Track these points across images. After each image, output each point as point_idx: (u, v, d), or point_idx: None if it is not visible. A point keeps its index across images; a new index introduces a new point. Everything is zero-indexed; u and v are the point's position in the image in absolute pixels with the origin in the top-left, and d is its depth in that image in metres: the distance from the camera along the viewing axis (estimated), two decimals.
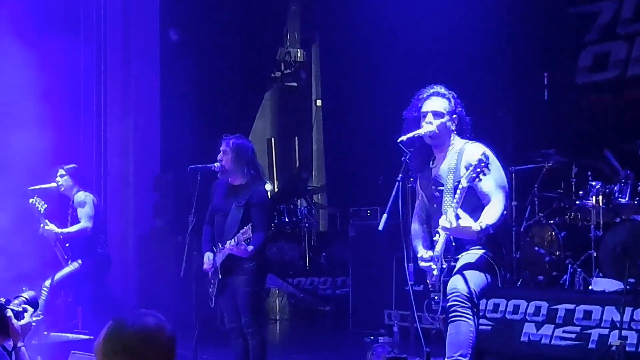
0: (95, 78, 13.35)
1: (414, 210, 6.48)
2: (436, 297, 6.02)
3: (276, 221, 14.76)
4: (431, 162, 6.29)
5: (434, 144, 6.21)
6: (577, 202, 9.98)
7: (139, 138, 13.49)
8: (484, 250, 5.97)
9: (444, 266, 5.96)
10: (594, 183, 9.72)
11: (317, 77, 18.14)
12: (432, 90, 6.23)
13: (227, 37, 14.60)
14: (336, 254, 13.98)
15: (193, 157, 7.85)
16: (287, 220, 14.96)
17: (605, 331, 8.33)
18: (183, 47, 14.24)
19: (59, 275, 9.39)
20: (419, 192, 6.41)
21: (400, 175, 5.91)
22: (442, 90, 6.23)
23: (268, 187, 8.36)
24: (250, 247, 7.22)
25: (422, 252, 6.17)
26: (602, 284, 9.08)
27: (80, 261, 9.40)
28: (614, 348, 7.96)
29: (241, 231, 7.12)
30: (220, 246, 7.44)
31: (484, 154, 5.71)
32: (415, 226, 6.44)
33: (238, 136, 7.69)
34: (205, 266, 7.62)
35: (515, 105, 11.98)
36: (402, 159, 5.96)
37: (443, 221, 5.81)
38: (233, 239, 7.17)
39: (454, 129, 6.19)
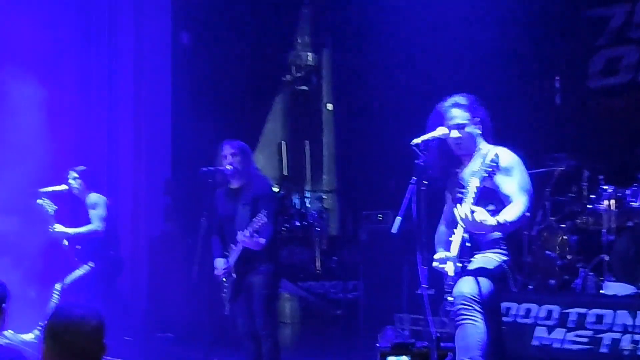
0: (107, 81, 13.36)
1: (443, 214, 6.46)
2: (450, 299, 5.99)
3: (287, 225, 14.75)
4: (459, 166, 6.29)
5: (462, 154, 6.21)
6: (589, 206, 9.96)
7: (150, 141, 13.49)
8: (497, 256, 5.95)
9: (459, 268, 5.93)
10: (605, 187, 9.70)
11: (328, 80, 18.11)
12: (450, 102, 6.19)
13: (238, 41, 14.60)
14: (347, 257, 13.98)
15: (204, 161, 7.84)
16: (298, 224, 14.96)
17: (618, 335, 8.30)
18: (194, 50, 14.25)
19: (69, 278, 9.39)
20: (448, 196, 6.39)
21: (414, 178, 5.88)
22: (460, 99, 6.20)
23: (275, 189, 8.35)
24: (262, 240, 7.23)
25: (441, 253, 6.13)
26: (614, 288, 9.06)
27: (91, 263, 9.41)
28: (626, 352, 7.94)
29: (254, 219, 7.13)
30: (232, 247, 7.44)
31: (495, 154, 5.69)
32: (441, 228, 6.40)
33: (234, 139, 7.76)
34: (216, 271, 7.62)
35: (526, 109, 11.96)
36: (416, 162, 5.94)
37: (458, 210, 5.79)
38: (246, 230, 7.17)
39: (480, 132, 6.17)
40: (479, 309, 5.75)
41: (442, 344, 6.28)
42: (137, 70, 13.53)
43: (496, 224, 5.66)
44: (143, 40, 13.64)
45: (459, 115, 6.14)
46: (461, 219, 5.75)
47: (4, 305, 4.42)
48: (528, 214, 5.94)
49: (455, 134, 6.09)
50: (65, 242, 9.43)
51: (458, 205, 5.87)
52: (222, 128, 12.90)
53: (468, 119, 6.13)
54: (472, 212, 5.64)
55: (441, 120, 6.16)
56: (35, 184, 9.89)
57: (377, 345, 7.79)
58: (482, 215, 5.64)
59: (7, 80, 11.54)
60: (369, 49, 14.60)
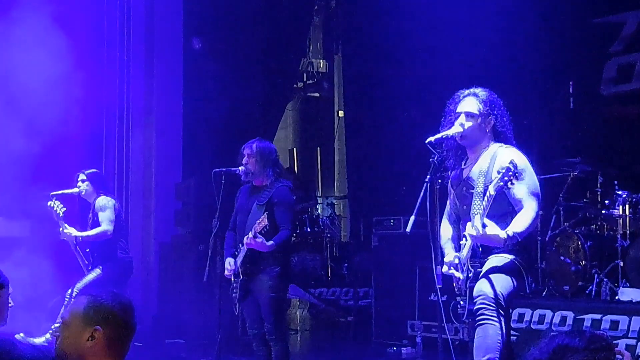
0: (118, 85, 13.36)
1: (445, 209, 6.39)
2: (462, 302, 5.94)
3: (298, 231, 14.71)
4: (463, 163, 6.21)
5: (466, 144, 6.13)
6: (603, 212, 9.88)
7: (161, 146, 13.47)
8: (512, 256, 5.90)
9: (471, 271, 5.88)
10: (620, 192, 9.64)
11: (339, 87, 18.16)
12: (468, 92, 6.16)
13: (250, 47, 14.58)
14: (358, 264, 13.92)
15: (215, 166, 7.80)
16: (309, 230, 14.93)
17: (633, 341, 8.24)
18: (206, 56, 14.23)
19: (80, 284, 9.32)
20: (451, 191, 6.33)
21: (429, 176, 5.84)
22: (479, 91, 6.15)
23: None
24: (271, 242, 7.18)
25: (450, 256, 6.08)
26: (629, 293, 9.00)
27: (101, 267, 9.34)
28: None
29: (257, 221, 7.09)
30: (241, 246, 7.41)
31: (511, 162, 5.59)
32: (445, 225, 6.35)
33: (260, 139, 7.72)
34: (226, 272, 7.58)
35: (540, 113, 11.91)
36: (430, 159, 5.91)
37: (469, 229, 5.74)
38: (250, 232, 7.14)
39: (488, 130, 6.10)
40: (500, 310, 5.71)
41: None
42: (148, 74, 13.52)
43: (506, 237, 5.62)
44: (154, 45, 13.64)
45: (471, 103, 6.10)
46: (470, 235, 5.71)
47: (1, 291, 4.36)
48: (537, 219, 5.89)
49: (462, 119, 6.04)
50: (77, 233, 9.35)
51: (468, 224, 5.81)
52: (233, 134, 12.90)
53: (479, 110, 6.06)
54: (484, 226, 5.60)
55: (456, 107, 6.12)
56: (47, 188, 9.84)
57: None
58: (493, 229, 5.61)
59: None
60: (380, 56, 14.58)
